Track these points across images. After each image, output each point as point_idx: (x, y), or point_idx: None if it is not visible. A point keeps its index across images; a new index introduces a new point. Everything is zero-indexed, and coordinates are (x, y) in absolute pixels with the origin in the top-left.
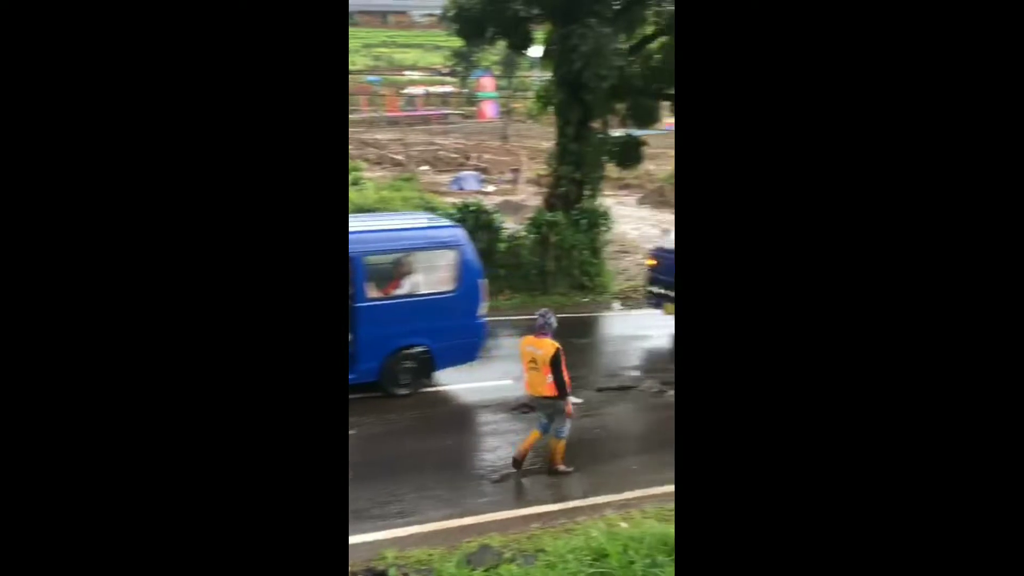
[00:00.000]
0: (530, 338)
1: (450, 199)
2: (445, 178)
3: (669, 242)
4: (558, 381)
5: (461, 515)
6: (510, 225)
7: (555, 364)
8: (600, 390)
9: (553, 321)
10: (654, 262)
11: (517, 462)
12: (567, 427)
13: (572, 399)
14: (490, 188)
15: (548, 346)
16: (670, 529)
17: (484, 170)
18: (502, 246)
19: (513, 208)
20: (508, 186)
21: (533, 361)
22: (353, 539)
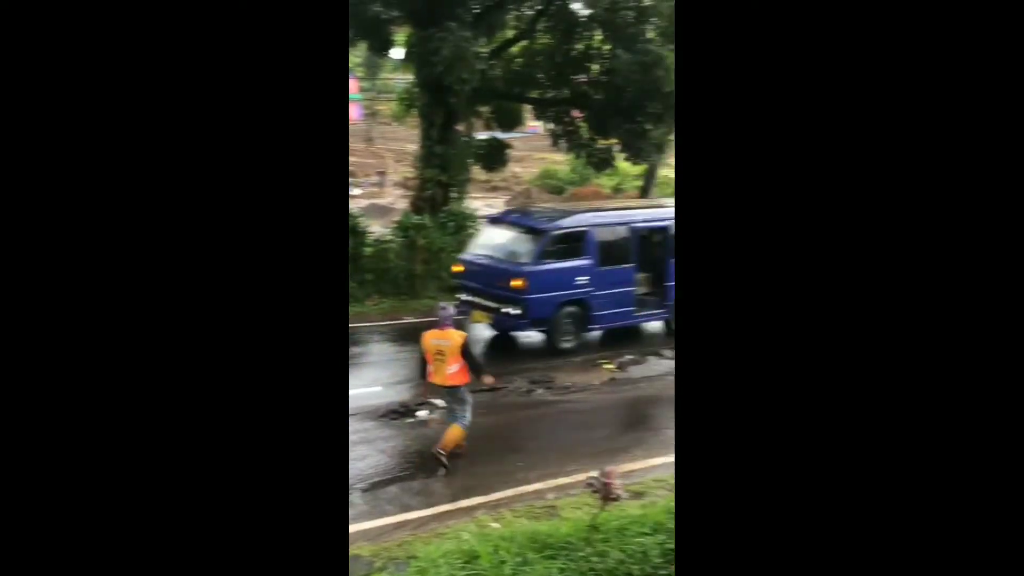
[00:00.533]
0: (434, 332)
1: None
2: None
3: (479, 247)
4: (472, 365)
5: None
6: (377, 229)
7: (465, 351)
8: (472, 391)
9: (453, 312)
10: (461, 268)
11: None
12: (469, 416)
13: (486, 379)
14: (356, 191)
15: (456, 336)
16: (540, 527)
17: (351, 172)
18: (368, 250)
19: (380, 211)
20: (374, 189)
21: (440, 353)
22: None
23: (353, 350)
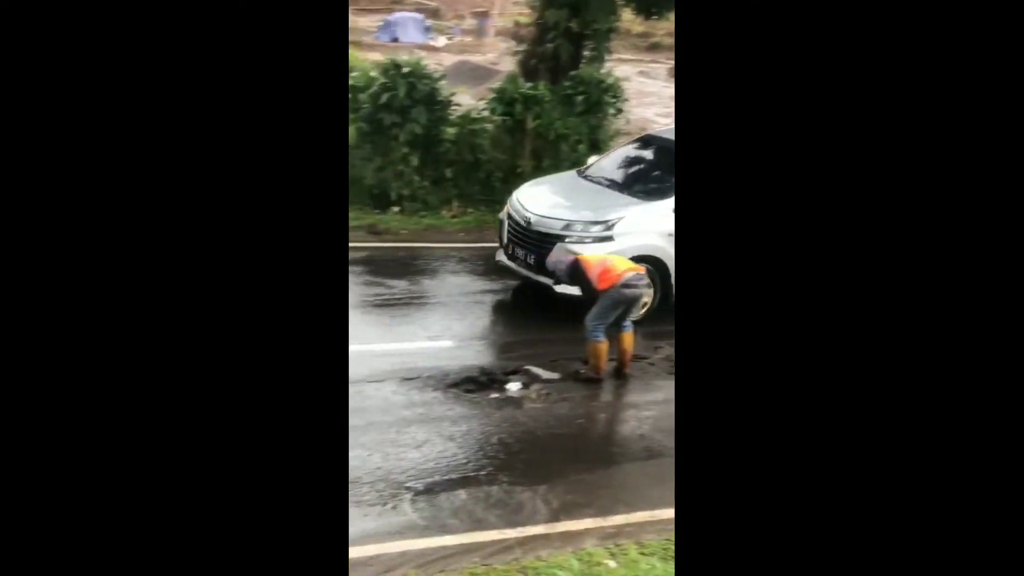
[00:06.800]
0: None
1: (374, 55)
2: (370, 21)
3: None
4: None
5: (363, 542)
6: (466, 99)
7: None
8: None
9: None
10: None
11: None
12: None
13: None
14: (440, 40)
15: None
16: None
17: (433, 12)
18: (450, 132)
19: (473, 73)
20: (468, 39)
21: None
22: None
23: (419, 284)
